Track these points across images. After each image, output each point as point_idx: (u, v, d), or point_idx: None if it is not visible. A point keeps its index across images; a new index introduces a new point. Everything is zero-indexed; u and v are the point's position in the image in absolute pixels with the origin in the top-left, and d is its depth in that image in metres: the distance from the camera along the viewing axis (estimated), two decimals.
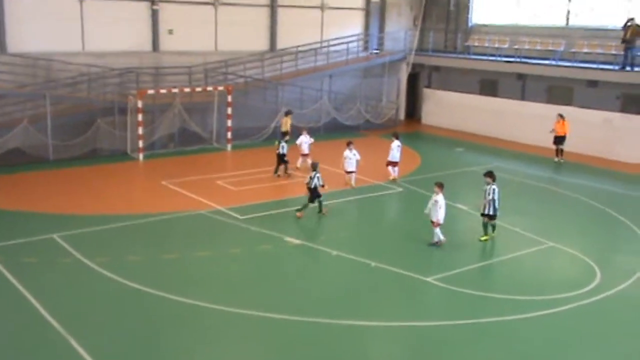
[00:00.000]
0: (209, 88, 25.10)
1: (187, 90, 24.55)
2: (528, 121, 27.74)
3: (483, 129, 29.46)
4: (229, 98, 24.98)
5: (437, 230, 15.10)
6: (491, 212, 15.32)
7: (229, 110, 24.99)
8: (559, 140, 24.35)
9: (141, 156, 23.21)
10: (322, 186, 17.20)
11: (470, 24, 33.09)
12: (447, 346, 10.65)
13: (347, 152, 20.08)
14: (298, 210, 17.03)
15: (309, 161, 19.92)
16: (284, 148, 20.96)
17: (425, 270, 13.53)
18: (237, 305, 11.81)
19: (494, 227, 15.70)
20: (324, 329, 11.10)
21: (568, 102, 27.02)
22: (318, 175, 17.09)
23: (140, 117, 22.89)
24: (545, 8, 30.47)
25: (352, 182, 20.17)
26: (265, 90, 27.77)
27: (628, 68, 24.87)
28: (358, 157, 20.04)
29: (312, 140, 22.13)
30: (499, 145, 27.17)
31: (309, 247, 14.99)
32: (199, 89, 24.84)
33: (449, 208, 15.66)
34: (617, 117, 24.97)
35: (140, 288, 12.38)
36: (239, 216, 16.87)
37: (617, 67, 25.28)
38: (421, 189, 19.70)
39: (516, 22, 31.26)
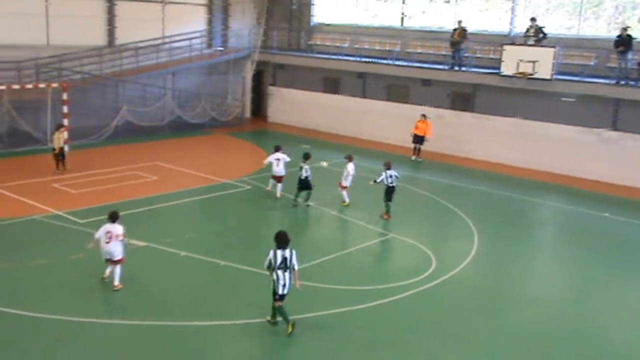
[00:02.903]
0: (41, 85, 23.45)
1: (15, 87, 22.75)
2: (369, 118, 29.02)
3: (327, 126, 30.35)
4: (65, 95, 23.48)
5: (344, 192, 18.00)
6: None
7: (65, 109, 23.50)
8: (419, 139, 25.38)
9: None
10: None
11: (312, 23, 33.88)
12: (296, 340, 10.82)
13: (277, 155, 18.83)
14: (294, 204, 18.03)
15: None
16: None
17: None
18: (82, 313, 11.21)
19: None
20: (175, 331, 10.84)
21: (405, 100, 28.61)
22: (307, 166, 17.79)
23: None
24: (383, 10, 32.01)
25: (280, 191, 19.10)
26: (105, 87, 26.52)
27: (456, 68, 26.78)
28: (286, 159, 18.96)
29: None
30: (343, 142, 28.11)
31: (156, 248, 14.54)
32: (29, 86, 23.11)
33: (292, 204, 15.75)
34: (448, 114, 26.81)
35: None
36: (79, 220, 15.98)
37: (447, 67, 27.13)
38: (265, 185, 19.83)
39: (356, 22, 32.51)
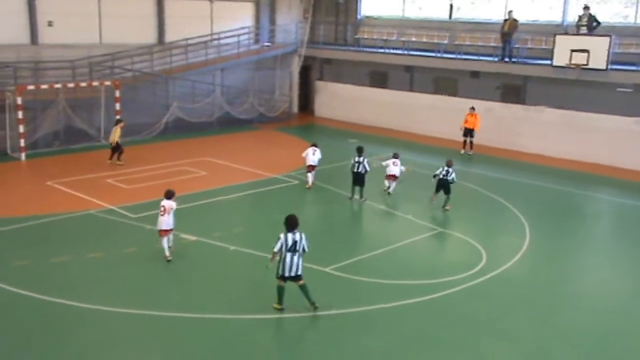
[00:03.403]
0: (95, 83, 24.07)
1: (70, 85, 23.42)
2: (417, 111, 28.76)
3: (374, 120, 30.21)
4: (117, 93, 24.08)
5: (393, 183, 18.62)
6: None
7: (117, 106, 24.09)
8: (469, 132, 24.93)
9: (23, 156, 21.92)
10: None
11: (359, 17, 33.75)
12: (344, 334, 10.85)
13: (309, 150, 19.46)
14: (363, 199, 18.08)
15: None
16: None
17: (323, 261, 13.68)
18: (136, 306, 11.48)
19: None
20: (227, 324, 11.01)
21: (453, 93, 28.24)
22: (367, 160, 17.96)
23: (20, 114, 21.61)
24: (430, 2, 31.65)
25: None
26: (155, 84, 27.03)
27: (506, 59, 26.28)
28: (319, 156, 19.42)
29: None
30: (390, 135, 27.95)
31: (206, 243, 14.77)
32: (83, 84, 23.76)
33: (343, 198, 16.61)
34: (497, 106, 26.33)
35: (31, 295, 11.75)
36: (132, 215, 16.36)
37: (496, 59, 26.65)
38: (317, 181, 19.92)
39: (403, 15, 32.24)
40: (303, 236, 11.11)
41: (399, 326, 11.20)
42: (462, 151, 25.06)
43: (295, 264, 11.05)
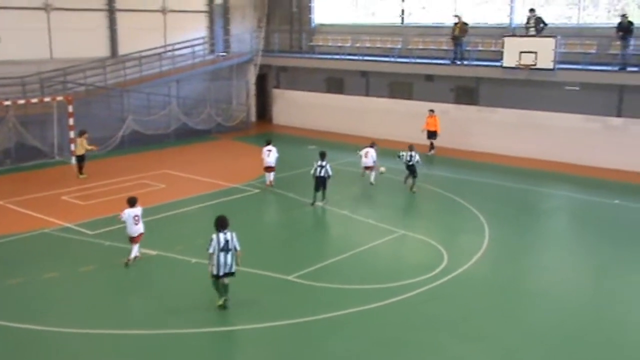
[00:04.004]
0: (47, 99, 23.61)
1: (21, 102, 22.91)
2: (374, 116, 29.03)
3: (332, 126, 30.37)
4: (70, 108, 23.65)
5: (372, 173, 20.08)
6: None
7: (71, 121, 23.65)
8: (432, 134, 25.51)
9: None
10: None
11: (313, 24, 33.92)
12: (308, 342, 10.87)
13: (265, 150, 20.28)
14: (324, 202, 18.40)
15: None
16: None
17: (285, 269, 13.69)
18: (97, 326, 11.26)
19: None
20: (191, 339, 10.89)
21: (409, 97, 28.59)
22: (328, 165, 18.22)
23: None
24: (382, 8, 32.00)
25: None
26: (109, 97, 26.65)
27: (458, 62, 26.74)
28: (276, 155, 20.28)
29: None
30: (349, 141, 28.09)
31: (167, 257, 14.59)
32: (34, 100, 23.28)
33: (304, 205, 16.71)
34: (453, 109, 26.77)
35: None
36: (89, 232, 16.07)
37: (448, 62, 27.08)
38: (277, 189, 19.91)
39: (356, 21, 32.51)
40: (234, 235, 11.54)
41: (363, 331, 11.24)
42: (428, 153, 25.48)
43: (228, 262, 11.50)
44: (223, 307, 11.73)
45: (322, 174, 18.13)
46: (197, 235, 16.21)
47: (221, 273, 11.51)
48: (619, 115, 23.25)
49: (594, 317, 11.93)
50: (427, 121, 25.53)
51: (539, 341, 10.97)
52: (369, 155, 20.08)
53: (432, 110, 25.59)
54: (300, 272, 13.58)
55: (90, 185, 20.63)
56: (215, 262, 11.43)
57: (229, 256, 11.47)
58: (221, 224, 11.51)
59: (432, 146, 25.72)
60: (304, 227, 17.39)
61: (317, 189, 18.28)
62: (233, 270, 11.63)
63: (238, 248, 11.57)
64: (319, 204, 18.34)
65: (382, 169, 20.22)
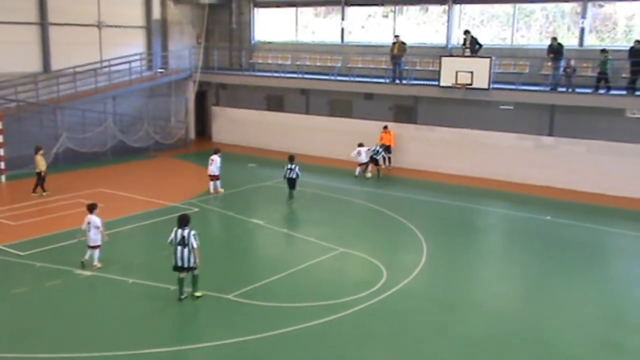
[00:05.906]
0: None
1: None
2: (314, 134, 29.17)
3: (273, 144, 30.34)
4: (0, 125, 22.79)
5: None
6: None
7: (0, 138, 22.78)
8: (386, 149, 26.00)
9: None
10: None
11: (253, 42, 33.94)
12: None
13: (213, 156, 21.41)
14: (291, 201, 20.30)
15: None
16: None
17: (225, 288, 13.51)
18: (29, 350, 10.81)
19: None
20: None
21: (348, 115, 28.89)
22: (297, 167, 20.38)
23: None
24: (322, 26, 32.34)
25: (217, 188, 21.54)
26: (42, 114, 25.84)
27: (397, 81, 27.23)
28: (219, 164, 21.35)
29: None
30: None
31: (103, 277, 14.17)
32: None
33: (245, 223, 16.37)
34: (391, 127, 27.19)
35: None
36: (20, 252, 15.45)
37: (387, 80, 27.54)
38: (216, 207, 19.68)
39: (296, 39, 32.72)
40: (192, 233, 12.68)
41: (306, 348, 11.19)
42: (384, 165, 25.94)
43: (184, 256, 12.66)
44: (195, 298, 12.93)
45: (291, 176, 20.36)
46: (134, 255, 15.89)
47: (178, 264, 12.70)
48: (550, 134, 24.11)
49: (525, 329, 12.20)
50: (382, 136, 26.10)
51: (473, 353, 11.19)
52: (362, 152, 24.04)
53: (386, 127, 26.25)
54: (241, 291, 13.43)
55: (22, 204, 19.88)
56: (173, 254, 12.68)
57: (186, 251, 12.60)
58: (181, 221, 12.78)
59: (387, 160, 26.38)
60: (244, 246, 17.22)
61: (290, 188, 20.43)
62: (191, 265, 12.72)
63: (195, 246, 12.64)
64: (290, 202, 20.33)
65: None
